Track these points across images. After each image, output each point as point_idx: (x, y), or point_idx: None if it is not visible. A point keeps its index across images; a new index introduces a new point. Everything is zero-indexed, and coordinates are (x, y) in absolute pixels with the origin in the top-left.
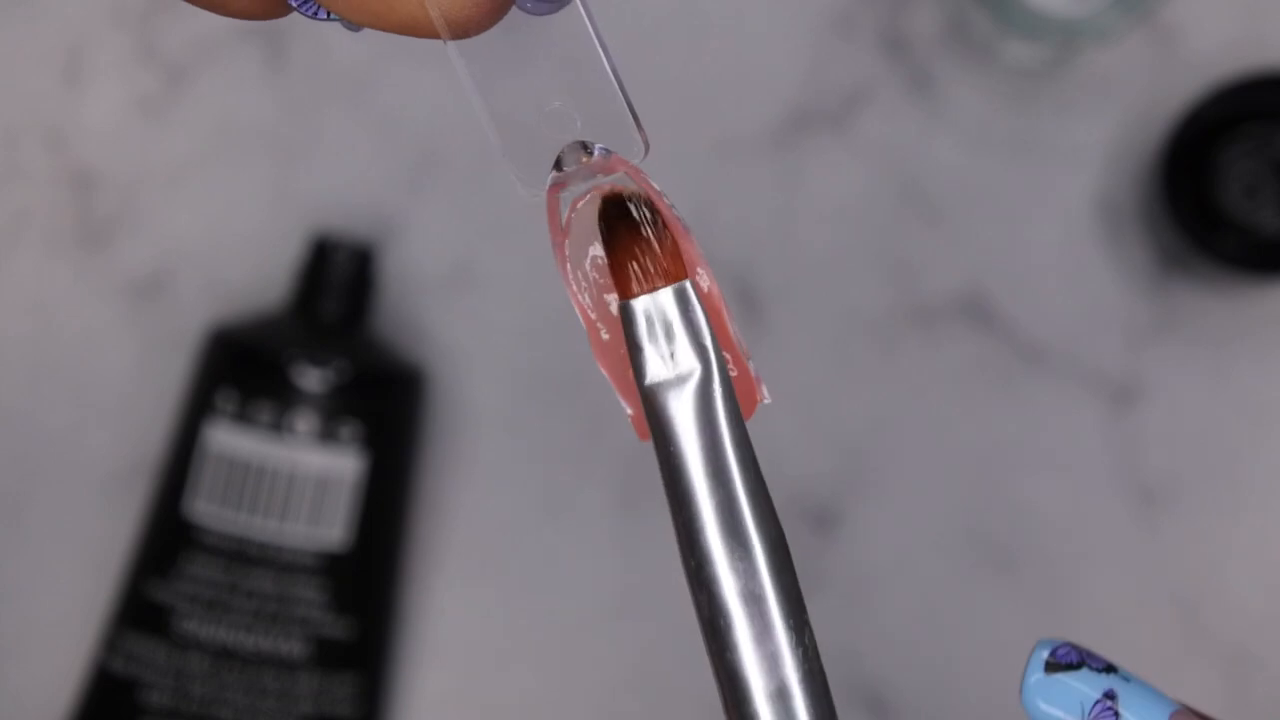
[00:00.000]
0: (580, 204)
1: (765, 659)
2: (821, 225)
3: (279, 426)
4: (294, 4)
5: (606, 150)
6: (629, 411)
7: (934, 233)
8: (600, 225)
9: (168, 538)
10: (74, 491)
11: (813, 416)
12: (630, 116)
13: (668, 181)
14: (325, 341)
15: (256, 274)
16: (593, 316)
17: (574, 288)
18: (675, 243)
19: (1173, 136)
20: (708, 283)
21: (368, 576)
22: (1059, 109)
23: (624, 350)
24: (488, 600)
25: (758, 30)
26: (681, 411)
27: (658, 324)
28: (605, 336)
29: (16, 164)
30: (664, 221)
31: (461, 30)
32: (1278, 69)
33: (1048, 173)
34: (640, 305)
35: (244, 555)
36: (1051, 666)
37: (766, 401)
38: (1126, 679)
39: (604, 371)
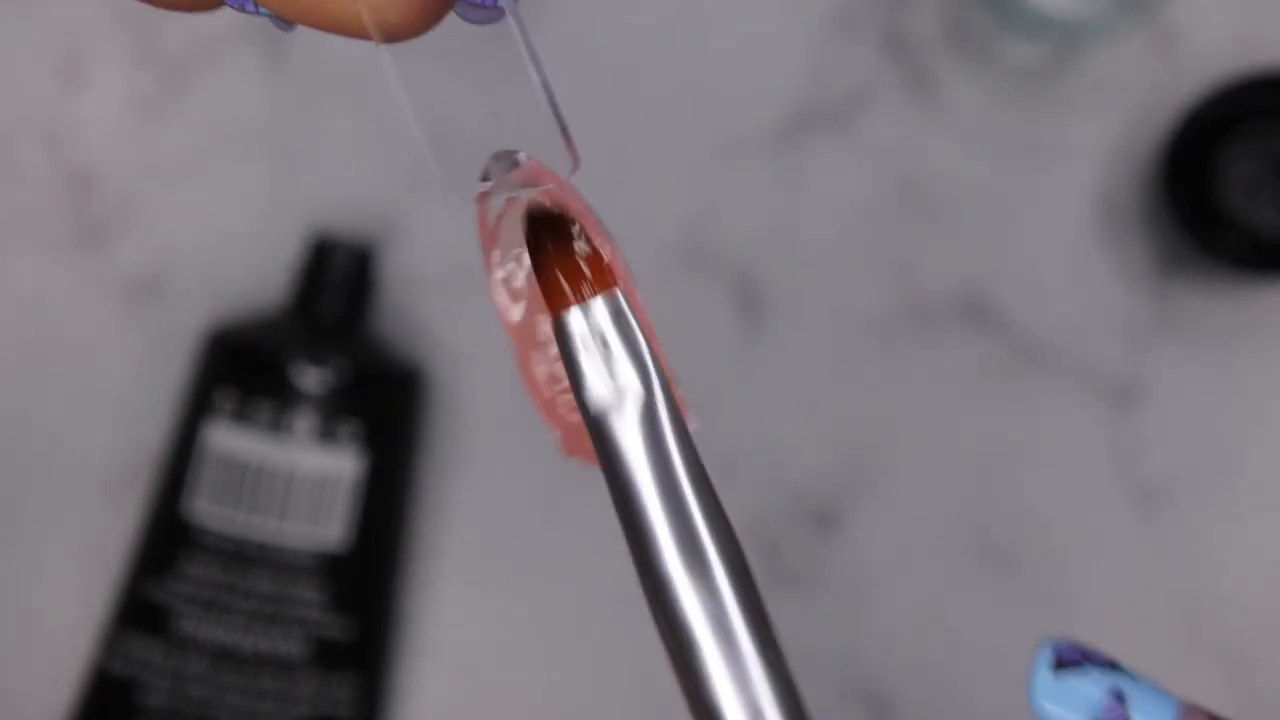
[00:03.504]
0: (506, 214)
1: (735, 680)
2: (822, 225)
3: (278, 426)
4: None
5: (535, 161)
6: (555, 433)
7: (934, 232)
8: (527, 238)
9: (167, 538)
10: (73, 491)
11: (813, 416)
12: (560, 130)
13: (668, 181)
14: (325, 341)
15: (255, 274)
16: (518, 329)
17: (499, 298)
18: (601, 255)
19: (1173, 136)
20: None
21: (367, 576)
22: (1059, 109)
23: (550, 368)
24: (488, 600)
25: (758, 30)
26: (627, 432)
27: (593, 338)
28: (534, 348)
29: (15, 164)
30: (588, 236)
31: (394, 34)
32: (1278, 69)
33: (1048, 173)
34: (573, 318)
35: (243, 555)
36: (1057, 665)
37: (694, 429)
38: (1132, 677)
39: (528, 389)
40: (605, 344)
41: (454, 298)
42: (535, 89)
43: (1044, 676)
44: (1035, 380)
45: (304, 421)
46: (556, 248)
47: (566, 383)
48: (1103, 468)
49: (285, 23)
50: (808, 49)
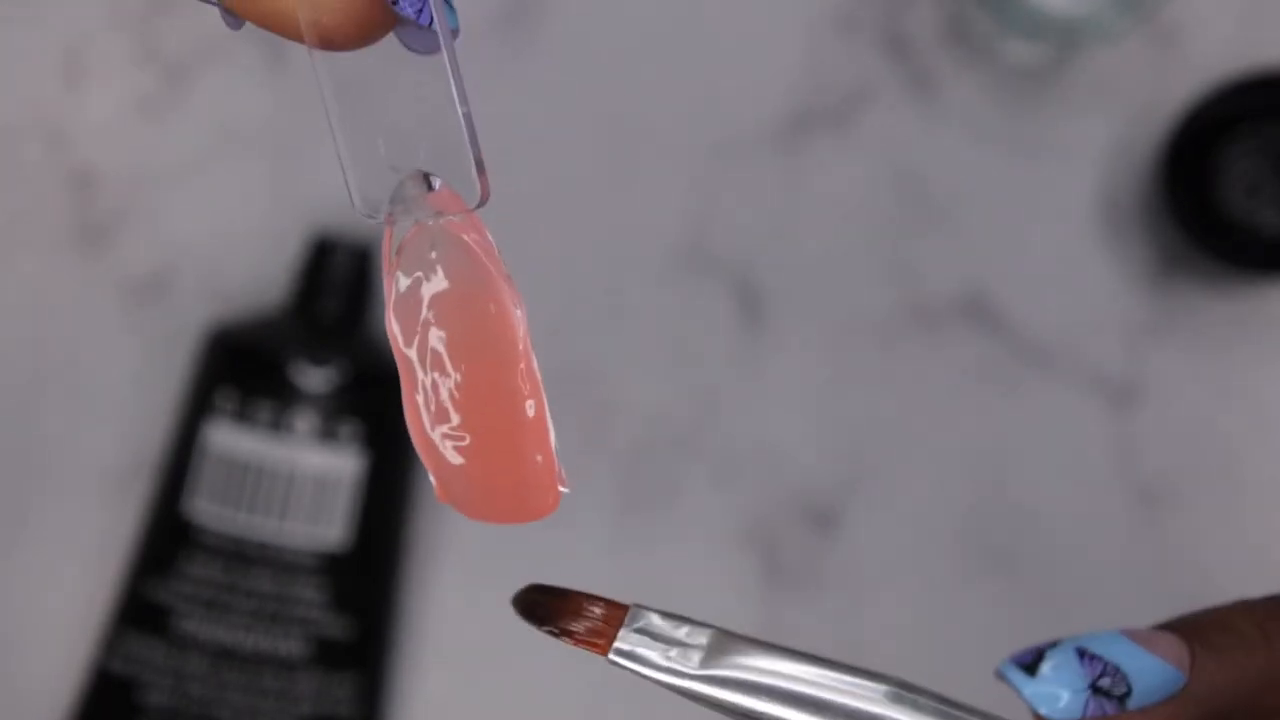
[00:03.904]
0: (412, 239)
1: None
2: (822, 225)
3: (279, 426)
4: None
5: (447, 189)
6: (430, 476)
7: (934, 232)
8: (547, 628)
9: (167, 537)
10: (74, 491)
11: (813, 416)
12: (473, 162)
13: (668, 182)
14: (325, 341)
15: (256, 274)
16: (407, 354)
17: (393, 327)
18: (596, 605)
19: (1173, 136)
20: (521, 330)
21: (367, 576)
22: (1059, 109)
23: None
24: (488, 600)
25: (759, 30)
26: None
27: (650, 651)
28: (419, 379)
29: (16, 164)
30: (494, 296)
31: (329, 42)
32: (1278, 69)
33: (1048, 173)
34: (618, 654)
35: (243, 555)
36: (1026, 670)
37: (565, 491)
38: (1075, 638)
39: (409, 424)
40: (661, 641)
41: None
42: (458, 120)
43: (1025, 684)
44: (1035, 380)
45: (304, 421)
46: (571, 627)
47: (449, 426)
48: (1103, 468)
49: (235, 19)
50: (808, 49)
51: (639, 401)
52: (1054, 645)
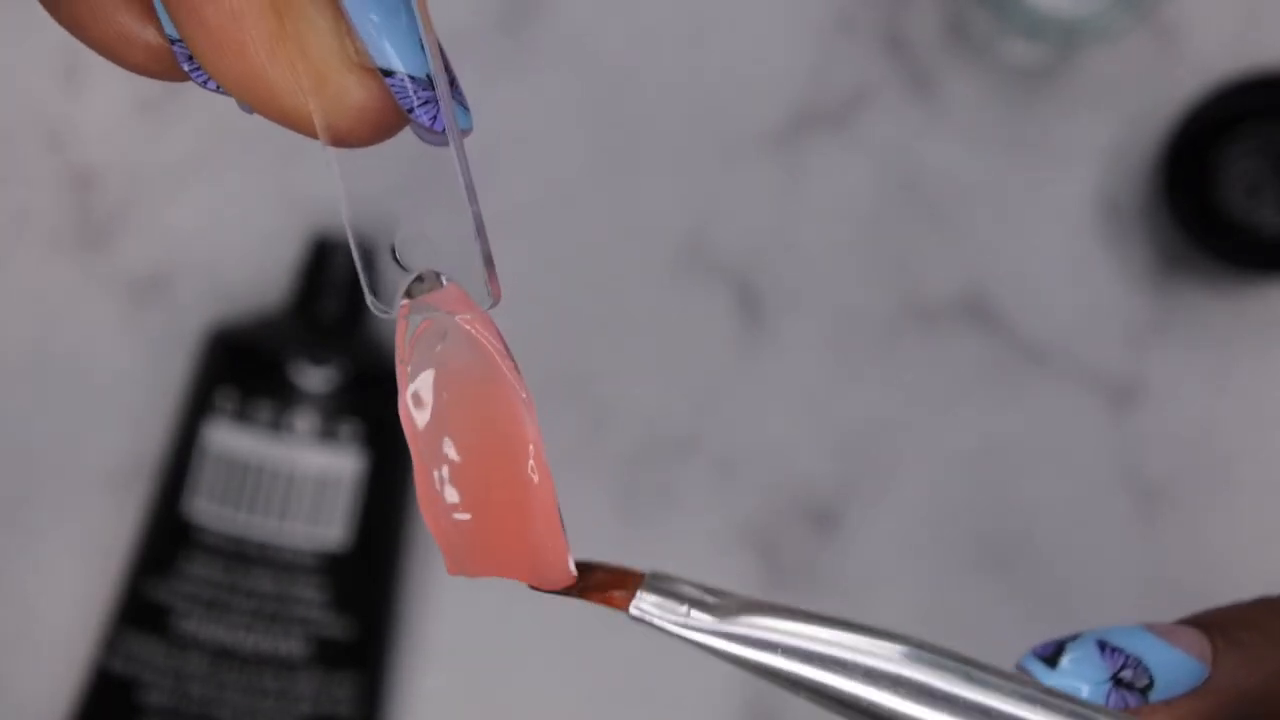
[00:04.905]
0: (422, 334)
1: None
2: (822, 225)
3: (279, 426)
4: (187, 69)
5: (457, 288)
6: (442, 553)
7: (934, 232)
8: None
9: (167, 537)
10: (74, 491)
11: (813, 416)
12: (484, 264)
13: (668, 182)
14: (325, 341)
15: (256, 274)
16: (419, 446)
17: (405, 414)
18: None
19: (1173, 136)
20: (531, 429)
21: (367, 576)
22: (1059, 109)
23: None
24: (488, 600)
25: (758, 30)
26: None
27: (671, 608)
28: (430, 468)
29: (17, 164)
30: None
31: (342, 140)
32: (1278, 69)
33: (1048, 173)
34: (639, 609)
35: (243, 555)
36: (1046, 663)
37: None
38: (1097, 631)
39: (421, 505)
40: (682, 601)
41: None
42: (467, 219)
43: (1046, 677)
44: (1035, 380)
45: (304, 421)
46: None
47: (459, 508)
48: (1103, 468)
49: (246, 106)
50: (808, 49)
51: (639, 402)
52: (1075, 638)
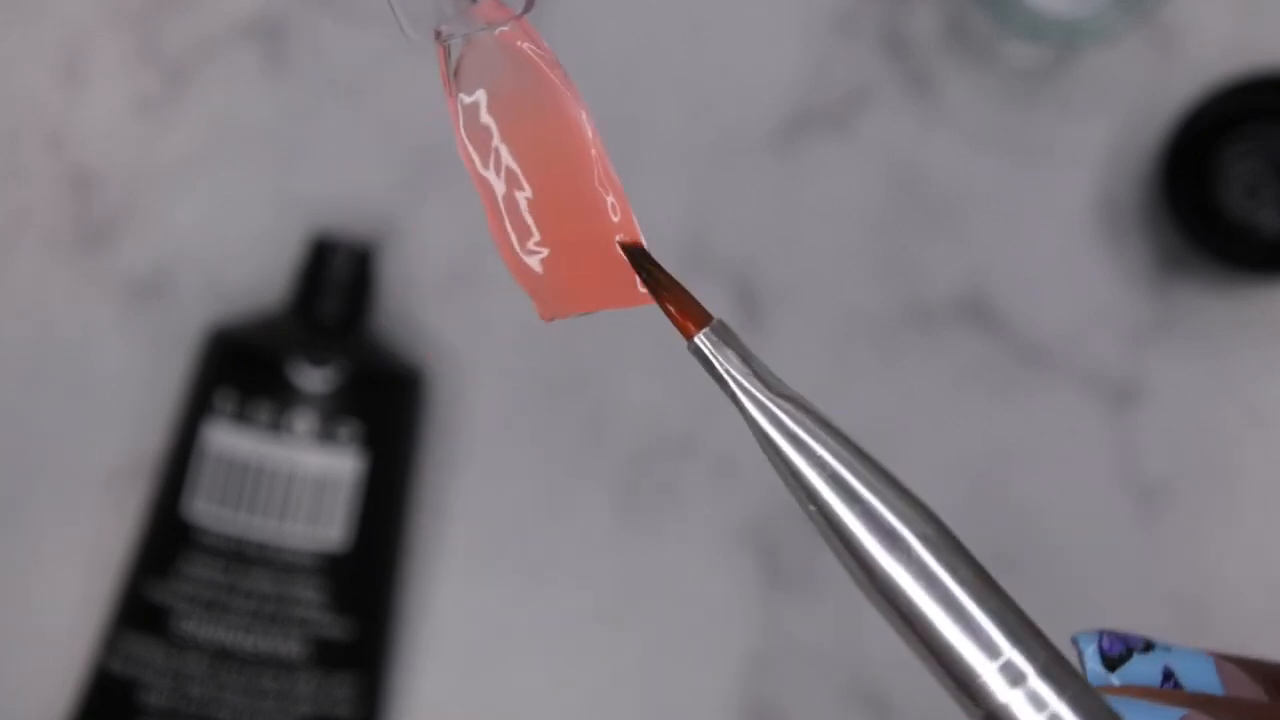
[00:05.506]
0: (466, 57)
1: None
2: (822, 225)
3: (278, 426)
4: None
5: None
6: (527, 295)
7: (934, 232)
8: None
9: (167, 538)
10: (74, 491)
11: None
12: None
13: (668, 182)
14: (325, 341)
15: (256, 274)
16: (484, 175)
17: (466, 153)
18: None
19: (1173, 136)
20: (590, 133)
21: (367, 576)
22: (1059, 109)
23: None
24: (488, 600)
25: (758, 30)
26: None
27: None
28: (499, 198)
29: (16, 164)
30: (545, 76)
31: None
32: (1278, 69)
33: (1048, 173)
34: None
35: (243, 555)
36: (1106, 664)
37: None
38: (1167, 649)
39: (497, 246)
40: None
41: (454, 298)
42: None
43: (1097, 672)
44: (1035, 380)
45: (304, 421)
46: (665, 285)
47: (535, 236)
48: (1103, 468)
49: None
50: (808, 49)
51: (638, 402)
52: (1147, 651)
